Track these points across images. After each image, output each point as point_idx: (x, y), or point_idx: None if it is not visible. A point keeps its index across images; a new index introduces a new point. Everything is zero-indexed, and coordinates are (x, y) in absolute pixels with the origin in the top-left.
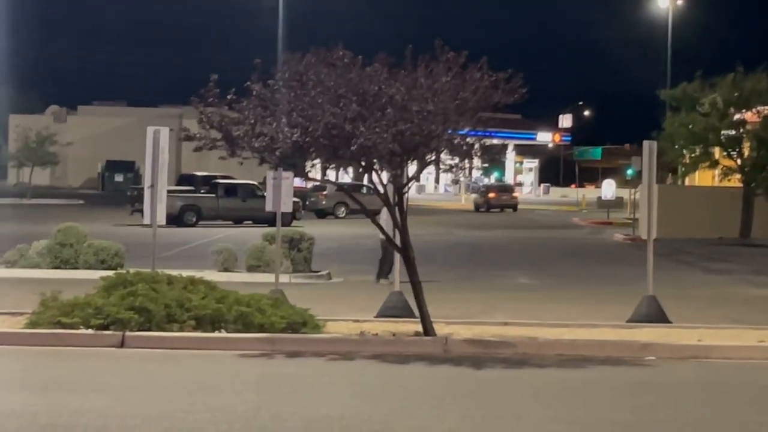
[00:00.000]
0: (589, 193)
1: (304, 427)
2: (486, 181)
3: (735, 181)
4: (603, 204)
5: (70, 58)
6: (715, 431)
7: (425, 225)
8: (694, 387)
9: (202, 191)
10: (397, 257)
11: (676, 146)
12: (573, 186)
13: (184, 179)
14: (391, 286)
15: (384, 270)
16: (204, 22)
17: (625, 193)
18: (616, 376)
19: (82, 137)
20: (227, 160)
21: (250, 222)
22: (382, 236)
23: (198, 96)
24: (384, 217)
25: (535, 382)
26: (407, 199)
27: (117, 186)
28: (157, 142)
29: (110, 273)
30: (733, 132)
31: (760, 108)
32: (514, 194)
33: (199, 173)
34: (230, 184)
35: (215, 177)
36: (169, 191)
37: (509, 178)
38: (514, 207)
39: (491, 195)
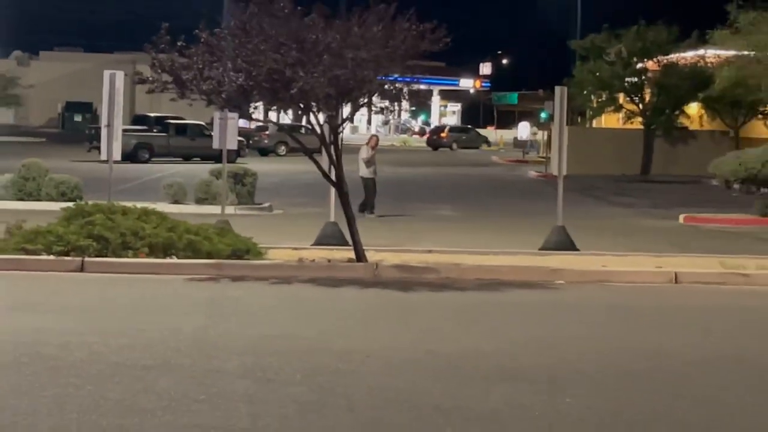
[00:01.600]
0: (506, 134)
1: (247, 345)
2: (413, 123)
3: (637, 123)
4: (518, 144)
5: (33, 6)
6: (618, 344)
7: (356, 163)
8: (598, 307)
9: (154, 130)
10: (332, 191)
11: (585, 92)
12: (491, 128)
13: (138, 119)
14: (326, 217)
15: (368, 204)
16: None
17: (539, 134)
18: (530, 297)
19: (44, 80)
20: (177, 101)
21: (198, 159)
22: (361, 175)
23: (151, 43)
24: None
25: (456, 303)
26: (342, 138)
27: (76, 125)
28: (113, 84)
29: (70, 204)
30: (636, 79)
31: (659, 57)
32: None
33: (151, 114)
34: (180, 124)
35: (167, 117)
36: (124, 130)
37: (434, 121)
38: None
39: (442, 135)
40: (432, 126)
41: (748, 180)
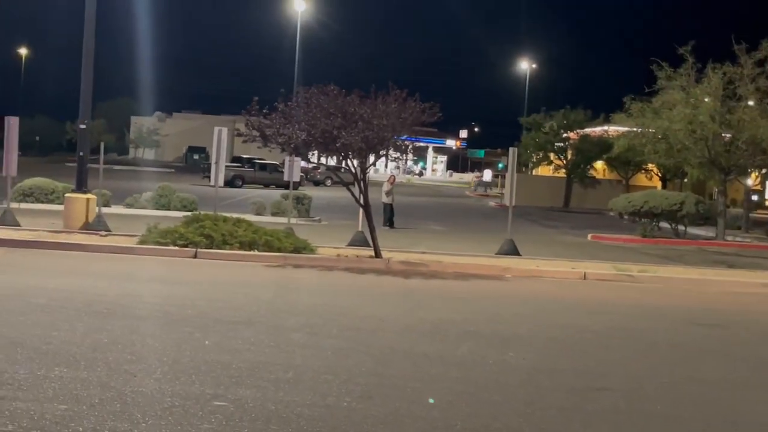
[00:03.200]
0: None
1: (302, 310)
2: (415, 167)
3: (562, 173)
4: (483, 184)
5: (170, 82)
6: (545, 318)
7: (376, 193)
8: (533, 293)
9: (245, 167)
10: (360, 210)
11: (528, 151)
12: (468, 173)
13: (235, 159)
14: (356, 227)
15: (384, 220)
16: (250, 63)
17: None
18: (488, 285)
19: (175, 131)
20: (261, 148)
21: (273, 186)
22: (383, 201)
23: (245, 109)
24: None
25: (439, 287)
26: (368, 176)
27: (194, 162)
28: (219, 136)
29: (189, 213)
30: (562, 144)
31: (578, 130)
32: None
33: (244, 156)
34: (262, 162)
35: (254, 158)
36: (226, 166)
37: (429, 167)
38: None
39: (477, 176)
40: (414, 169)
41: (634, 213)
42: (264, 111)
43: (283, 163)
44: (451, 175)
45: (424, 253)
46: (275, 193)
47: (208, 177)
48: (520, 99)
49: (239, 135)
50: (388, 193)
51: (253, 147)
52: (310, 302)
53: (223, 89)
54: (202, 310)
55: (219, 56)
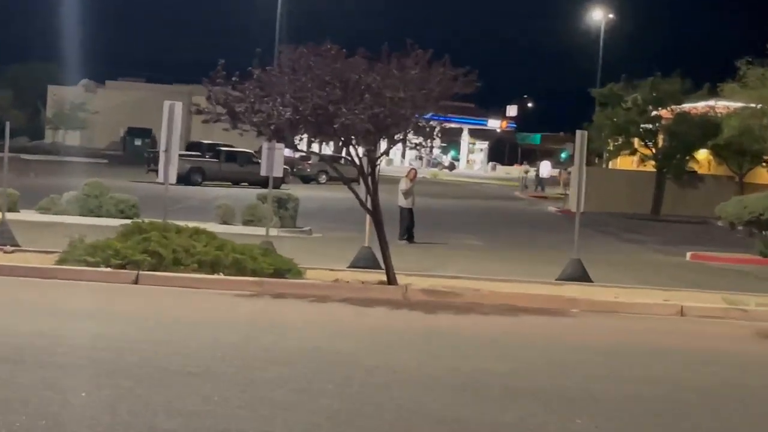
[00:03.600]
0: (530, 171)
1: (285, 357)
2: (444, 158)
3: (649, 166)
4: (540, 182)
5: (101, 39)
6: (627, 371)
7: (391, 193)
8: (609, 335)
9: (207, 156)
10: (368, 218)
11: (603, 135)
12: (517, 165)
13: (192, 146)
14: (361, 241)
15: (401, 231)
16: (214, 13)
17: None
18: (546, 324)
19: (108, 107)
20: (230, 131)
21: (246, 184)
22: (399, 204)
23: (208, 77)
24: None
25: (477, 327)
26: (379, 170)
27: (136, 149)
28: (172, 113)
29: (128, 221)
30: (650, 126)
31: (673, 107)
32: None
33: (205, 141)
34: (231, 151)
35: (219, 145)
36: (179, 155)
37: (463, 157)
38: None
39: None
40: (438, 161)
41: (751, 223)
42: (233, 79)
43: (259, 152)
44: (494, 169)
45: (455, 277)
46: (249, 193)
47: (155, 170)
48: (592, 63)
49: (199, 112)
50: (406, 194)
51: (217, 128)
52: (296, 346)
53: (176, 49)
54: (145, 356)
55: (170, 3)
